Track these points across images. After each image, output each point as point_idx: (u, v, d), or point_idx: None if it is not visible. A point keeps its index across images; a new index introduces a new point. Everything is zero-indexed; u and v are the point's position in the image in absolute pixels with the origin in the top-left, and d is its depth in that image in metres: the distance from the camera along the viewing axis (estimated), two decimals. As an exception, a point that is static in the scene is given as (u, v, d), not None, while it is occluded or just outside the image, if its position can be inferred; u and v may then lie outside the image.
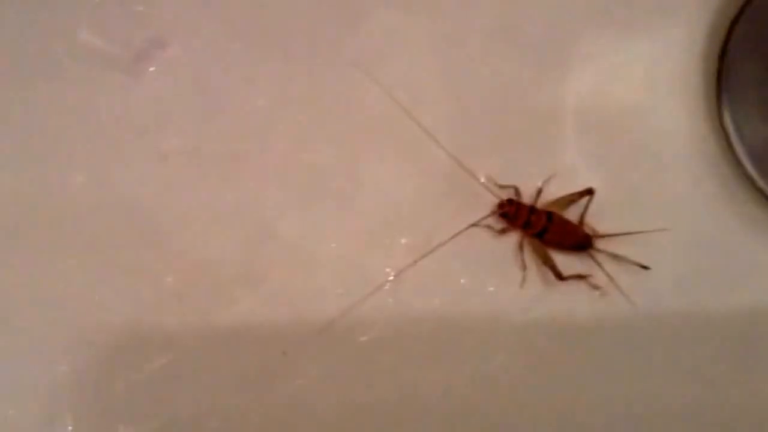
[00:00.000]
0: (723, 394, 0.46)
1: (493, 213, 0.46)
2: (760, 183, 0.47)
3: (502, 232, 0.46)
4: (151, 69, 0.46)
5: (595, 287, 0.46)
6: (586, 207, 0.46)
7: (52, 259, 0.46)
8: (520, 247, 0.46)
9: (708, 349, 0.47)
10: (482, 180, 0.47)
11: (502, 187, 0.47)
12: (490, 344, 0.46)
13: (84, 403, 0.45)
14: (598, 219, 0.47)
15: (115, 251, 0.46)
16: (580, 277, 0.46)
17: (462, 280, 0.47)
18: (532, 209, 0.46)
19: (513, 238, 0.47)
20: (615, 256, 0.46)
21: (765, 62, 0.48)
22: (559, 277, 0.46)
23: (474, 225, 0.46)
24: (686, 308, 0.47)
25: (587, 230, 0.46)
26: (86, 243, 0.46)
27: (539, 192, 0.47)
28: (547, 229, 0.46)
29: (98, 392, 0.45)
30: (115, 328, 0.45)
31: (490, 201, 0.46)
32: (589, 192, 0.46)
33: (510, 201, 0.46)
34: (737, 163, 0.47)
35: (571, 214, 0.47)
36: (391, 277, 0.46)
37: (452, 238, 0.45)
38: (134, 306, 0.46)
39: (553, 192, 0.47)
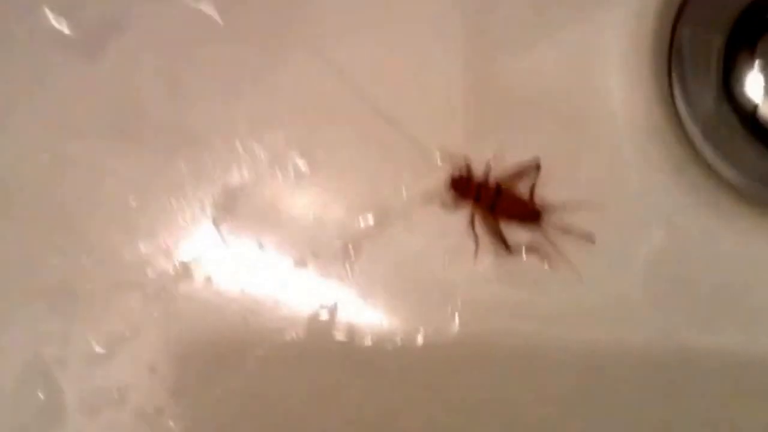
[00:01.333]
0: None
1: (445, 187, 0.48)
2: (710, 158, 0.48)
3: (455, 204, 0.48)
4: (105, 52, 0.48)
5: (544, 258, 0.48)
6: (535, 180, 0.48)
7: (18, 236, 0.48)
8: (472, 220, 0.48)
9: (658, 318, 0.48)
10: (436, 156, 0.48)
11: (454, 162, 0.48)
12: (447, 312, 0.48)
13: None
14: (549, 194, 0.48)
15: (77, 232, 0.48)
16: (530, 249, 0.48)
17: (417, 251, 0.48)
18: (481, 183, 0.47)
19: (465, 212, 0.48)
20: (562, 228, 0.47)
21: (717, 35, 0.49)
22: (508, 249, 0.47)
23: (427, 198, 0.48)
24: (635, 280, 0.48)
25: (536, 203, 0.48)
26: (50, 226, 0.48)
27: (488, 166, 0.48)
28: (496, 202, 0.47)
29: None
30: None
31: (443, 176, 0.48)
32: (536, 167, 0.47)
33: (460, 176, 0.47)
34: (688, 139, 0.48)
35: (522, 188, 0.48)
36: (351, 249, 0.48)
37: (405, 208, 0.47)
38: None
39: (504, 166, 0.48)
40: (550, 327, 0.48)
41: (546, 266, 0.48)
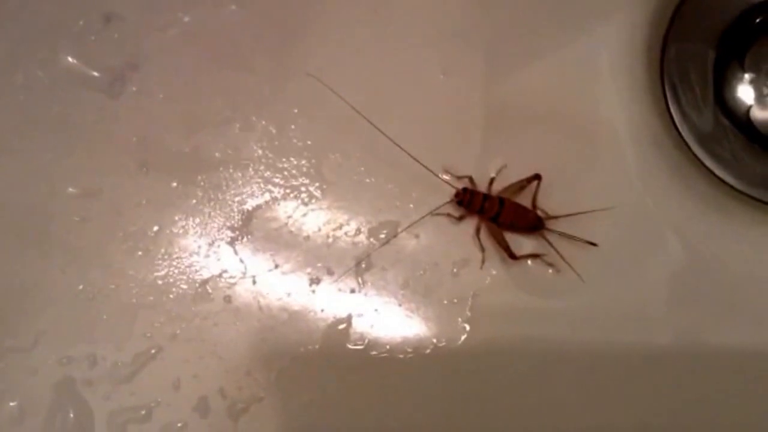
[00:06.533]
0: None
1: (450, 201, 0.50)
2: (707, 162, 0.50)
3: (461, 218, 0.50)
4: (127, 88, 0.51)
5: (548, 266, 0.49)
6: (536, 191, 0.49)
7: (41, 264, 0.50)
8: (477, 231, 0.50)
9: (658, 320, 0.49)
10: (442, 176, 0.50)
11: (458, 177, 0.50)
12: (458, 321, 0.50)
13: None
14: (549, 203, 0.50)
15: (102, 257, 0.50)
16: (534, 256, 0.49)
17: (426, 263, 0.50)
18: (485, 196, 0.49)
19: (472, 224, 0.50)
20: (565, 236, 0.49)
21: (706, 47, 0.51)
22: (513, 256, 0.49)
23: (433, 213, 0.50)
24: (636, 280, 0.49)
25: (539, 213, 0.50)
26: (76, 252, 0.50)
27: (492, 181, 0.50)
28: (500, 213, 0.49)
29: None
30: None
31: (449, 191, 0.50)
32: (537, 177, 0.49)
33: (465, 189, 0.49)
34: (684, 144, 0.50)
35: (525, 199, 0.50)
36: (363, 265, 0.50)
37: (413, 224, 0.49)
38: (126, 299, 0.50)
39: (506, 179, 0.50)
40: (559, 331, 0.49)
41: (550, 272, 0.49)
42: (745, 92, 0.50)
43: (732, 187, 0.49)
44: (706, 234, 0.50)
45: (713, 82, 0.50)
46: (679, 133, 0.50)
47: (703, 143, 0.50)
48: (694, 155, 0.50)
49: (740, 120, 0.50)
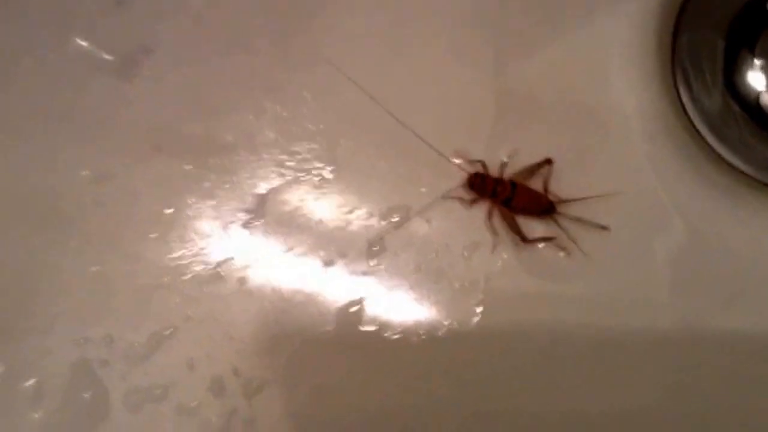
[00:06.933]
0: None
1: (462, 185, 0.50)
2: (717, 147, 0.50)
3: (473, 202, 0.50)
4: (141, 72, 0.51)
5: (560, 249, 0.50)
6: (548, 175, 0.50)
7: (57, 246, 0.51)
8: (489, 215, 0.50)
9: (665, 304, 0.50)
10: (453, 160, 0.50)
11: (470, 162, 0.50)
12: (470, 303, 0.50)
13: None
14: (559, 187, 0.50)
15: (117, 240, 0.51)
16: (545, 239, 0.50)
17: (438, 247, 0.51)
18: (497, 180, 0.50)
19: (483, 208, 0.50)
20: (577, 219, 0.50)
21: (717, 33, 0.51)
22: (525, 240, 0.49)
23: (446, 197, 0.50)
24: (646, 263, 0.50)
25: (550, 197, 0.50)
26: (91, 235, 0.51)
27: (503, 165, 0.50)
28: (512, 197, 0.49)
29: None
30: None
31: (461, 176, 0.50)
32: (549, 162, 0.50)
33: (477, 174, 0.50)
34: (695, 130, 0.50)
35: (536, 183, 0.50)
36: (376, 248, 0.50)
37: (425, 208, 0.49)
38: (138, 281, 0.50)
39: (518, 164, 0.50)
40: (569, 315, 0.49)
41: (561, 255, 0.50)
42: (755, 78, 0.50)
43: (741, 171, 0.49)
44: (715, 218, 0.50)
45: (723, 68, 0.51)
46: (689, 119, 0.50)
47: (713, 128, 0.50)
48: (704, 140, 0.50)
49: (750, 106, 0.50)
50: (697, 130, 0.50)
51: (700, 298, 0.50)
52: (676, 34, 0.50)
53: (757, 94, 0.50)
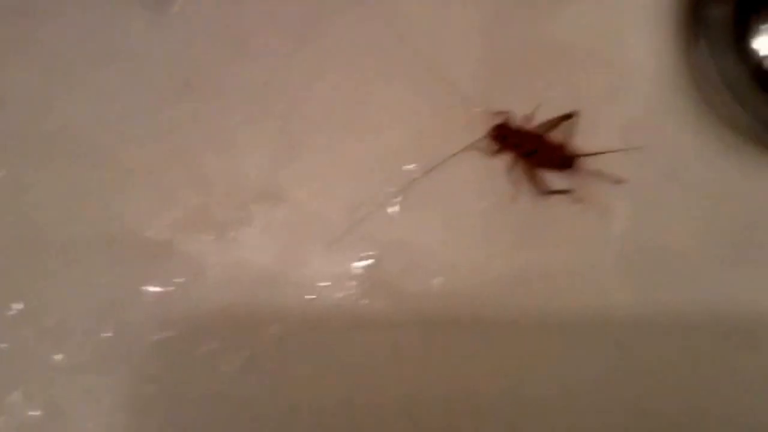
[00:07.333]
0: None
1: (487, 136, 0.51)
2: (727, 108, 0.52)
3: (496, 153, 0.52)
4: (175, 7, 0.51)
5: (578, 201, 0.52)
6: (570, 130, 0.52)
7: (78, 179, 0.51)
8: (512, 166, 0.52)
9: (675, 255, 0.52)
10: (478, 109, 0.52)
11: (496, 113, 0.52)
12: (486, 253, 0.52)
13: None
14: (582, 142, 0.52)
15: (143, 177, 0.51)
16: (564, 191, 0.52)
17: (461, 197, 0.52)
18: (521, 132, 0.51)
19: (506, 159, 0.52)
20: (595, 173, 0.52)
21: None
22: (545, 191, 0.51)
23: (469, 147, 0.51)
24: (659, 218, 0.52)
25: (570, 150, 0.52)
26: (115, 164, 0.51)
27: (528, 118, 0.52)
28: (534, 149, 0.51)
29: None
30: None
31: (484, 127, 0.51)
32: (571, 116, 0.51)
33: (501, 125, 0.51)
34: (708, 90, 0.52)
35: (558, 137, 0.52)
36: (397, 198, 0.52)
37: (450, 158, 0.51)
38: (164, 221, 0.51)
39: (540, 117, 0.52)
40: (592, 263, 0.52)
41: (579, 207, 0.51)
42: (765, 42, 0.53)
43: (750, 133, 0.52)
44: (724, 177, 0.52)
45: (735, 30, 0.53)
46: (703, 78, 0.52)
47: (725, 89, 0.52)
48: (716, 100, 0.52)
49: (761, 69, 0.53)
50: (710, 91, 0.52)
51: (710, 252, 0.52)
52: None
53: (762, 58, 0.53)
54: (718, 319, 0.51)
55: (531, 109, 0.52)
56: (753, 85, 0.53)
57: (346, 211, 0.51)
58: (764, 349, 0.51)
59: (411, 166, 0.52)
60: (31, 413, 0.49)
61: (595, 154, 0.51)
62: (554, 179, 0.52)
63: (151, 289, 0.51)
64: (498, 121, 0.52)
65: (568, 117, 0.51)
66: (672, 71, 0.53)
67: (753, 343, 0.51)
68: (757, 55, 0.53)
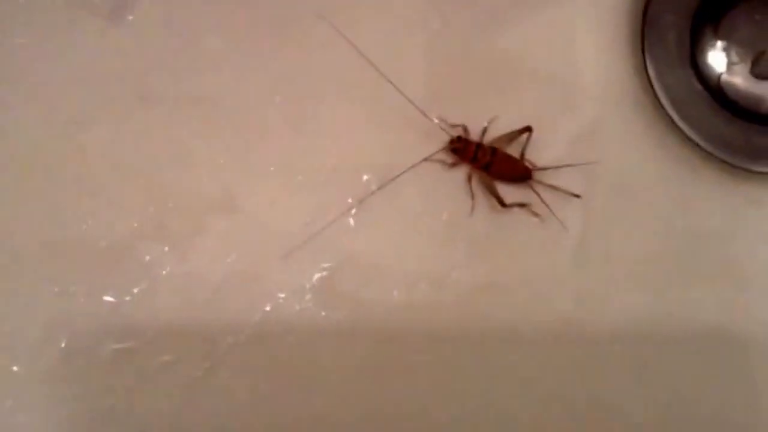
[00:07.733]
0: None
1: (444, 149, 0.52)
2: (680, 124, 0.53)
3: (453, 165, 0.52)
4: (130, 17, 0.50)
5: (534, 215, 0.52)
6: (526, 143, 0.52)
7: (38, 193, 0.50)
8: (469, 179, 0.52)
9: (637, 264, 0.53)
10: (435, 120, 0.52)
11: (452, 126, 0.52)
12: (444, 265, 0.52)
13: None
14: (536, 155, 0.52)
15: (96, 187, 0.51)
16: (521, 205, 0.52)
17: (418, 209, 0.52)
18: (478, 145, 0.52)
19: (462, 172, 0.52)
20: (551, 187, 0.52)
21: (685, 13, 0.53)
22: (503, 204, 0.51)
23: (427, 159, 0.52)
24: (613, 231, 0.53)
25: (527, 164, 0.52)
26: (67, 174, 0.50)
27: (484, 130, 0.52)
28: (491, 162, 0.51)
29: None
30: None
31: (443, 139, 0.52)
32: (528, 129, 0.52)
33: (459, 138, 0.51)
34: (660, 106, 0.53)
35: (513, 150, 0.52)
36: (354, 209, 0.52)
37: (407, 170, 0.51)
38: (118, 232, 0.51)
39: (497, 131, 0.52)
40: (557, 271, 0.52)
41: (535, 221, 0.52)
42: (717, 59, 0.54)
43: (702, 148, 0.53)
44: (676, 192, 0.53)
45: (690, 47, 0.54)
46: (656, 95, 0.53)
47: (676, 104, 0.53)
48: (667, 114, 0.53)
49: (712, 85, 0.54)
50: (662, 106, 0.53)
51: (660, 269, 0.53)
52: (645, 14, 0.53)
53: (719, 75, 0.53)
54: (669, 328, 0.52)
55: (486, 122, 0.52)
56: (706, 100, 0.53)
57: (303, 222, 0.51)
58: (708, 355, 0.52)
59: (368, 177, 0.52)
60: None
61: (551, 168, 0.52)
62: (511, 192, 0.52)
63: (106, 299, 0.50)
64: (455, 133, 0.52)
65: (525, 130, 0.52)
66: (626, 86, 0.54)
67: (696, 348, 0.52)
68: (710, 69, 0.54)
